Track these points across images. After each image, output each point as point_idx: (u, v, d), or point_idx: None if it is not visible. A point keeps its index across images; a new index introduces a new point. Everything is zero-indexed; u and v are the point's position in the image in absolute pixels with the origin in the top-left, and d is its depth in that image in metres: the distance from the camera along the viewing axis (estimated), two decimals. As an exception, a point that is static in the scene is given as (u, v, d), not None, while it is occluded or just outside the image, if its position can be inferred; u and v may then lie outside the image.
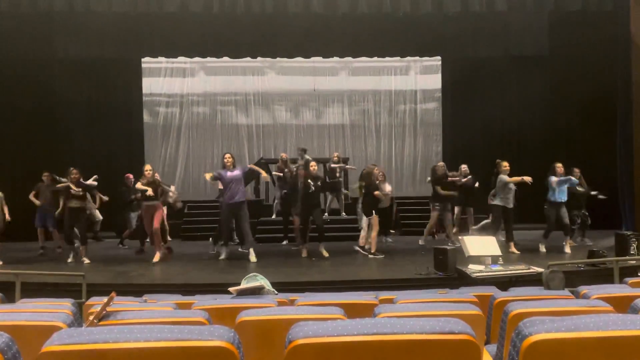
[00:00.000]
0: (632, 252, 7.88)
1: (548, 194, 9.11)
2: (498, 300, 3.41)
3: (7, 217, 9.22)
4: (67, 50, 12.52)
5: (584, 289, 3.81)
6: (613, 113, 11.37)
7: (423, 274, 7.29)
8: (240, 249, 9.88)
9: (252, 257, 8.74)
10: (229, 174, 8.69)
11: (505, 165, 9.25)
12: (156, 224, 8.78)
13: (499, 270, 6.62)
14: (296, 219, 9.76)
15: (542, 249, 9.13)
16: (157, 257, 8.79)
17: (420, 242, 10.35)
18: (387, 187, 10.13)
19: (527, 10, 10.68)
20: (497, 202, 9.22)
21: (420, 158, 15.14)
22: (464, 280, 6.44)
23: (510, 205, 9.16)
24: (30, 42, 11.74)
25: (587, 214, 10.00)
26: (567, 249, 9.03)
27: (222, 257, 8.95)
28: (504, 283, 5.80)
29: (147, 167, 9.10)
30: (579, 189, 9.71)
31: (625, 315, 1.94)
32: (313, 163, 9.44)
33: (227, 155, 8.88)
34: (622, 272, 6.48)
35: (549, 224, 9.13)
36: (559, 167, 9.16)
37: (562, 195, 9.06)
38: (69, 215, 8.88)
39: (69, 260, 8.84)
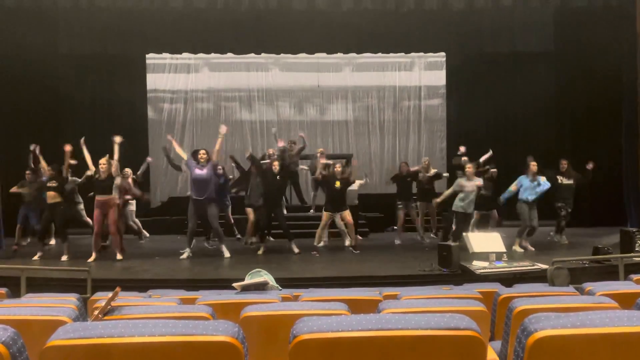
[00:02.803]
0: (637, 249, 7.84)
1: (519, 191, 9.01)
2: (502, 297, 3.40)
3: None
4: (71, 46, 12.52)
5: (588, 286, 3.80)
6: (618, 109, 11.30)
7: (427, 270, 7.28)
8: (208, 245, 9.88)
9: (226, 253, 8.78)
10: (196, 170, 8.67)
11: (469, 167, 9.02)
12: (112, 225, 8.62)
13: (503, 266, 6.62)
14: (251, 214, 9.68)
15: (517, 247, 8.84)
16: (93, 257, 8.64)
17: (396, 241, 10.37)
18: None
19: (532, 6, 10.61)
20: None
21: (425, 154, 15.05)
22: (467, 276, 6.43)
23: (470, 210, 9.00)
24: (34, 38, 11.73)
25: (568, 210, 9.72)
26: (516, 248, 8.81)
27: (183, 256, 8.76)
28: (508, 280, 5.79)
29: (102, 160, 8.75)
30: (565, 181, 9.64)
31: (631, 312, 1.93)
32: (275, 162, 9.31)
33: (202, 152, 8.83)
34: (627, 269, 6.45)
35: (523, 221, 9.00)
36: (533, 165, 9.00)
37: (528, 194, 8.93)
38: (46, 211, 8.89)
39: (35, 258, 8.69)
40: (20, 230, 10.07)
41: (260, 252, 9.15)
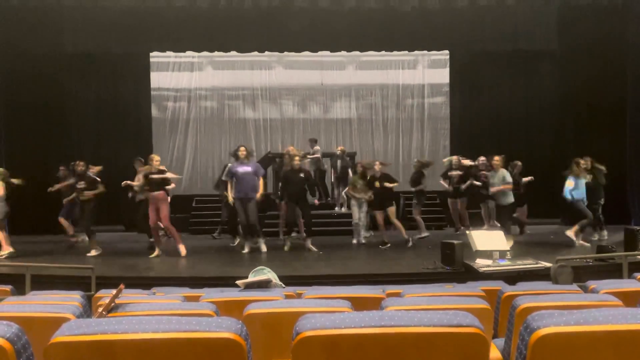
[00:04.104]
0: (641, 247, 7.79)
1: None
2: (506, 295, 3.40)
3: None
4: (76, 44, 12.56)
5: (592, 284, 3.79)
6: (622, 107, 11.26)
7: (430, 268, 7.27)
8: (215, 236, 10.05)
9: (263, 247, 8.97)
10: (239, 168, 8.73)
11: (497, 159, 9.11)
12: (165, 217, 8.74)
13: (506, 264, 6.60)
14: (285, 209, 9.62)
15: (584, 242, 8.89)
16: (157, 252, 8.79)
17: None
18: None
19: (536, 4, 10.59)
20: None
21: (428, 152, 15.06)
22: (471, 274, 6.42)
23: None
24: (39, 37, 11.77)
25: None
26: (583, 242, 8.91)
27: (246, 250, 8.97)
28: (511, 278, 5.77)
29: (156, 157, 8.94)
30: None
31: (635, 309, 1.93)
32: (297, 158, 9.26)
33: (242, 148, 8.91)
34: (631, 268, 6.43)
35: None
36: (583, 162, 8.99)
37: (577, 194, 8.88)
38: (79, 208, 9.07)
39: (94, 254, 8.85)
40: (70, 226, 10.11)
41: (286, 248, 9.13)
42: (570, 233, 8.85)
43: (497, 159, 9.17)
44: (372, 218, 10.15)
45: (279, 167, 10.17)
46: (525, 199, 10.39)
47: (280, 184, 9.57)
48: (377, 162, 9.58)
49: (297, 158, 9.13)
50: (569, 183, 8.79)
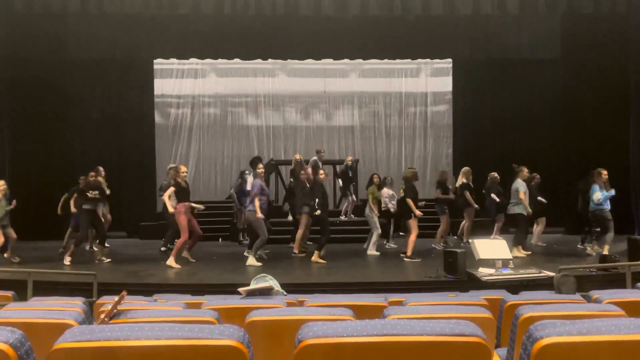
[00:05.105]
0: (644, 257, 7.76)
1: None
2: (509, 304, 3.39)
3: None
4: (80, 51, 12.63)
5: (595, 294, 3.77)
6: (626, 116, 11.25)
7: (433, 276, 7.26)
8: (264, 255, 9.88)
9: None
10: (264, 185, 9.08)
11: (525, 171, 9.10)
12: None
13: (509, 273, 6.58)
14: (304, 221, 9.45)
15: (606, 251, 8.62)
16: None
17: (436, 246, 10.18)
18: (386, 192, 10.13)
19: (539, 12, 10.61)
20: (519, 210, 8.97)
21: (430, 160, 15.09)
22: (473, 283, 6.41)
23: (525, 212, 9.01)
24: (43, 44, 11.85)
25: None
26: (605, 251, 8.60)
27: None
28: (514, 287, 5.76)
29: (184, 168, 9.11)
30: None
31: (638, 320, 1.92)
32: (322, 171, 9.35)
33: (261, 165, 9.19)
34: (634, 277, 6.41)
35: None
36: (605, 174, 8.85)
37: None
38: (86, 217, 8.90)
39: (67, 262, 8.62)
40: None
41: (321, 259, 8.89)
42: (605, 252, 8.72)
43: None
44: (382, 226, 10.11)
45: (304, 184, 9.87)
46: (543, 212, 10.35)
47: (315, 198, 9.23)
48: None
49: (322, 172, 9.30)
50: (598, 195, 8.59)
